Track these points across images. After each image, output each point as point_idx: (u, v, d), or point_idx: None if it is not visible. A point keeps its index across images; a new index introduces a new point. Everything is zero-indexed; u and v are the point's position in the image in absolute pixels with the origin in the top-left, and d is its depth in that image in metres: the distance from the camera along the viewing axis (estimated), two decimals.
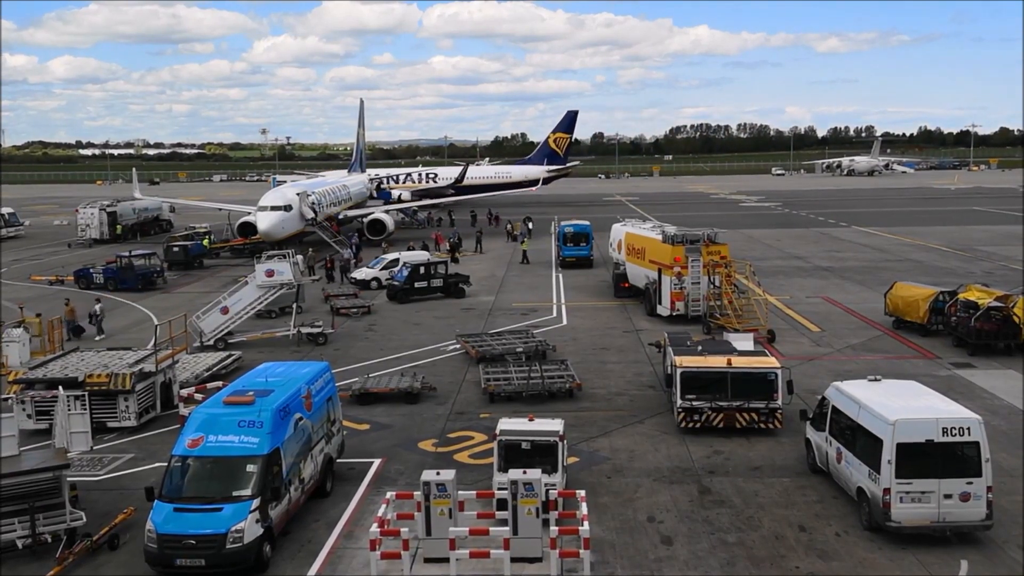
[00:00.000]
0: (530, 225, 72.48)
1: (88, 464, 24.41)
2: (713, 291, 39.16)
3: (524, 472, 18.37)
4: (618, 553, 18.81)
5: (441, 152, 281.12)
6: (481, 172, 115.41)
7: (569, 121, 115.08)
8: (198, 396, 26.21)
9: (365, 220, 75.45)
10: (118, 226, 79.82)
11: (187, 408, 24.85)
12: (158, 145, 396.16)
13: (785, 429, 25.50)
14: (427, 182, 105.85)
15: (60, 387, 25.20)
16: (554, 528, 17.91)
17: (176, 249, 62.77)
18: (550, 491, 19.14)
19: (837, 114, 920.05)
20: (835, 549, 18.91)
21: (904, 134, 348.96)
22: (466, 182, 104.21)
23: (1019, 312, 33.87)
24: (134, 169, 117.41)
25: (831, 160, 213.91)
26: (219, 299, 38.57)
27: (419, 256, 55.11)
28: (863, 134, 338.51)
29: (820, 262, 59.77)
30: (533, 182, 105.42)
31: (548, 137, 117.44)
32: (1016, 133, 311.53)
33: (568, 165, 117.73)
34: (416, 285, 48.55)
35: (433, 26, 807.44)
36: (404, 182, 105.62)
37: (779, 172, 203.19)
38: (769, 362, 26.34)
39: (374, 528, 17.93)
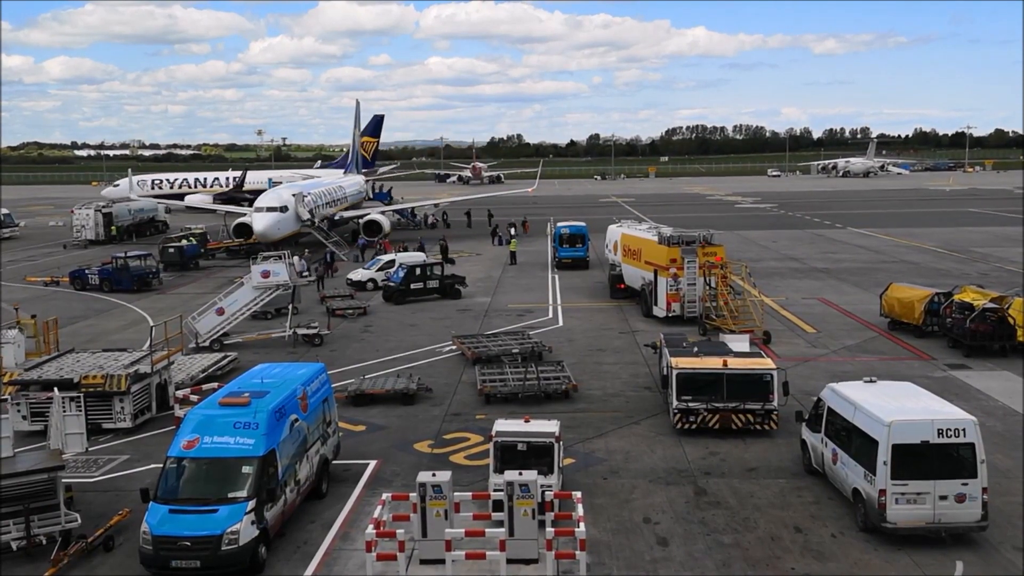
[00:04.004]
0: (512, 231, 71.52)
1: (83, 466, 24.38)
2: (709, 292, 39.19)
3: (520, 473, 18.36)
4: (614, 554, 18.82)
5: (437, 153, 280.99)
6: (282, 176, 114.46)
7: (376, 125, 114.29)
8: (194, 398, 26.14)
9: (361, 221, 75.36)
10: (113, 227, 79.75)
11: (183, 409, 24.82)
12: (154, 146, 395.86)
13: (781, 430, 25.50)
14: (229, 184, 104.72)
15: (56, 388, 25.13)
16: (550, 529, 17.90)
17: (171, 250, 62.71)
18: (546, 492, 19.13)
19: (833, 116, 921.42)
20: (831, 550, 18.93)
21: (900, 136, 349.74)
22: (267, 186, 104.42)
23: (1014, 313, 33.94)
24: (130, 170, 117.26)
25: (827, 161, 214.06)
26: (215, 300, 38.56)
27: (415, 257, 55.05)
28: (859, 136, 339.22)
29: (816, 263, 59.84)
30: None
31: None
32: (1011, 135, 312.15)
33: (375, 169, 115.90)
34: (412, 286, 48.51)
35: (430, 27, 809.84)
36: (212, 186, 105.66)
37: (775, 173, 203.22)
38: (765, 363, 26.33)
39: (370, 529, 17.92)
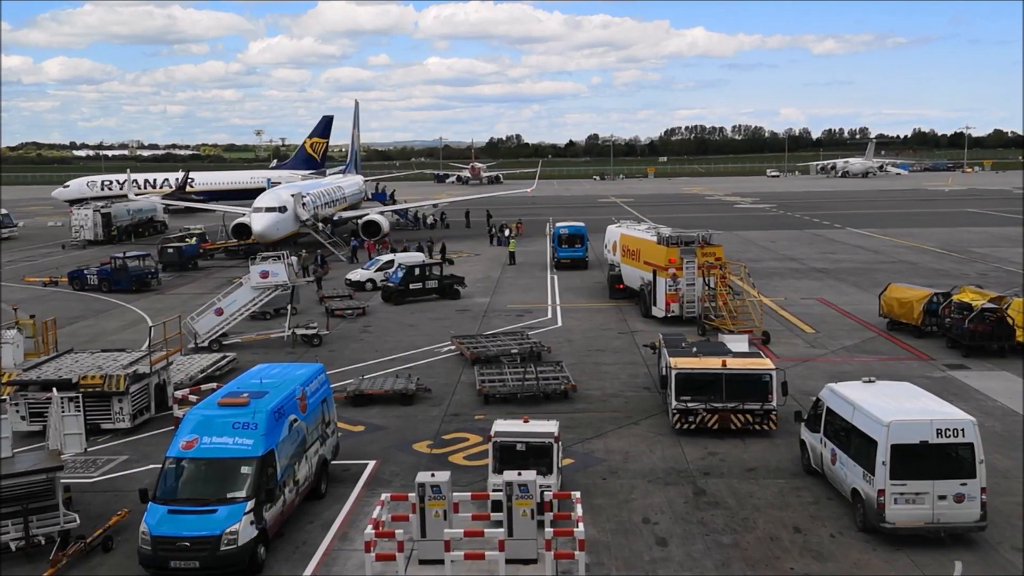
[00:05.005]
0: (507, 232, 71.51)
1: (82, 466, 24.35)
2: (708, 293, 39.19)
3: (519, 474, 18.36)
4: (613, 555, 18.82)
5: (436, 153, 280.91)
6: (230, 178, 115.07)
7: (325, 126, 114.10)
8: (192, 398, 26.15)
9: (360, 221, 75.32)
10: (112, 227, 79.73)
11: (181, 410, 24.81)
12: (152, 146, 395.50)
13: (780, 430, 25.51)
14: (174, 185, 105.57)
15: (54, 389, 25.11)
16: (549, 530, 17.91)
17: (170, 250, 62.69)
18: (545, 493, 19.13)
19: (832, 116, 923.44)
20: (830, 550, 18.94)
21: (898, 136, 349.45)
22: (216, 187, 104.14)
23: (1013, 314, 33.95)
24: (128, 170, 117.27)
25: (826, 162, 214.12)
26: (213, 300, 38.55)
27: (414, 257, 55.03)
28: (857, 136, 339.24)
29: (815, 263, 59.85)
30: None
31: (305, 142, 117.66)
32: (1010, 135, 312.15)
33: (323, 170, 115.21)
34: (411, 286, 48.51)
35: (429, 27, 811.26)
36: (161, 186, 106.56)
37: (774, 174, 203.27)
38: (764, 363, 26.33)
39: (369, 530, 17.92)
